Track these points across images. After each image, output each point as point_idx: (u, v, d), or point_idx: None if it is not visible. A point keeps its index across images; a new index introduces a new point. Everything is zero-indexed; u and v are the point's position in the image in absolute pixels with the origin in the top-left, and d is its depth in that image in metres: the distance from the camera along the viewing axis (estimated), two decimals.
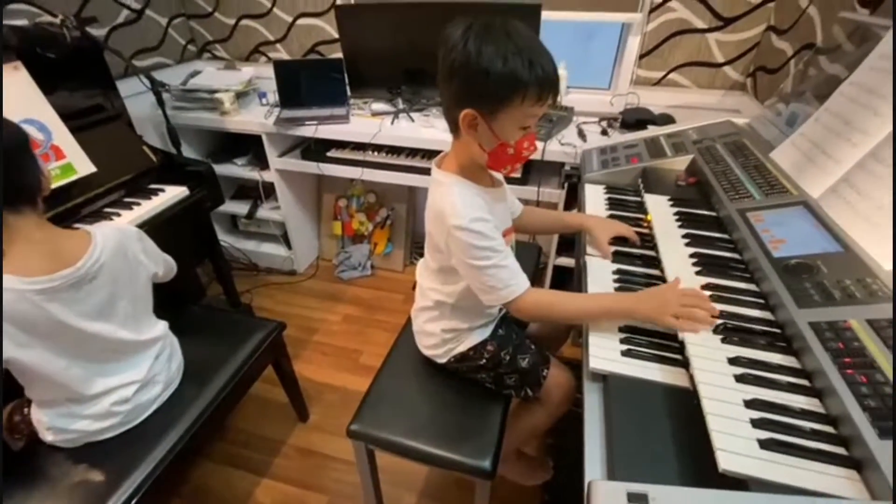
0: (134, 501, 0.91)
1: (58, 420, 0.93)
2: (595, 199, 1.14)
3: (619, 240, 0.98)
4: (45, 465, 0.96)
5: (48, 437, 0.94)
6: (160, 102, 1.70)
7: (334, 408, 1.64)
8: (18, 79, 1.14)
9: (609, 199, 1.14)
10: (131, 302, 0.97)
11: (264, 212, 2.15)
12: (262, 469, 1.45)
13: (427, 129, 1.75)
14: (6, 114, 0.82)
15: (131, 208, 1.36)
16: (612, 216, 1.06)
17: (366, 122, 1.82)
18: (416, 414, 0.94)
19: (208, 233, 1.70)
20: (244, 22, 2.07)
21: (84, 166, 1.26)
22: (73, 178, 1.23)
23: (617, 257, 0.93)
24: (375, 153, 1.84)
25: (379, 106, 1.91)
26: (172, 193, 1.46)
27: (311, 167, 1.89)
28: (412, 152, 1.83)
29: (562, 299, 0.80)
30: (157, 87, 1.69)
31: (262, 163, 2.00)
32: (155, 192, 1.45)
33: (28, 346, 0.81)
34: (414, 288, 2.20)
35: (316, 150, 1.92)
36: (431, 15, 1.68)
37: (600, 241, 0.96)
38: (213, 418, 1.10)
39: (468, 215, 0.75)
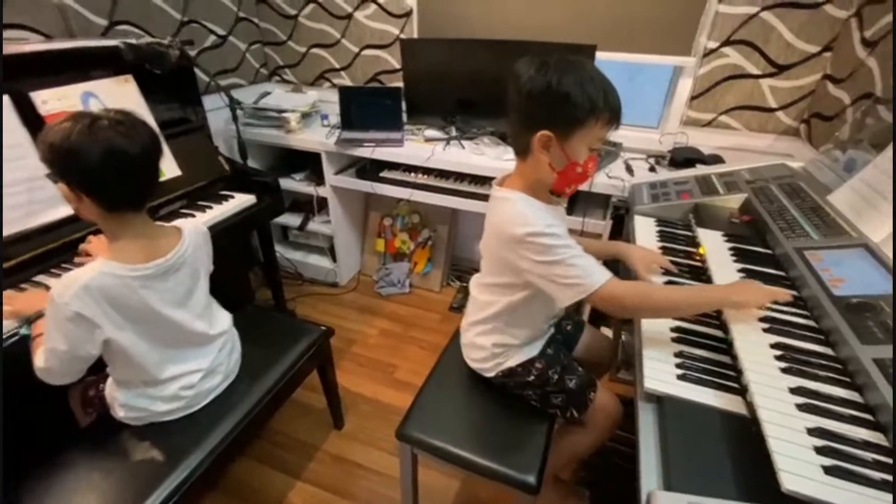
0: (189, 483, 0.97)
1: (131, 399, 1.00)
2: (645, 230, 1.17)
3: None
4: (112, 438, 1.03)
5: (120, 413, 1.02)
6: (235, 118, 1.85)
7: (369, 418, 1.67)
8: (129, 90, 1.29)
9: (660, 231, 1.17)
10: (204, 295, 1.06)
11: (315, 225, 2.27)
12: (296, 471, 1.48)
13: (477, 156, 1.83)
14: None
15: (204, 210, 1.48)
16: (663, 248, 1.08)
17: (419, 146, 1.92)
18: (463, 423, 0.97)
19: (267, 240, 1.81)
20: (314, 50, 2.25)
21: (171, 169, 1.39)
22: (161, 179, 1.36)
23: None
24: (425, 176, 1.93)
25: (432, 132, 2.02)
26: (241, 200, 1.58)
27: (365, 186, 2.00)
28: (460, 177, 1.91)
29: (656, 288, 0.82)
30: (234, 105, 1.85)
31: (318, 179, 2.13)
32: (225, 198, 1.57)
33: (123, 329, 0.89)
34: (451, 308, 2.25)
35: (370, 170, 2.03)
36: (488, 51, 1.80)
37: (638, 268, 0.99)
38: (262, 414, 1.16)
39: (541, 222, 0.80)
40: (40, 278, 1.13)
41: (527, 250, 0.82)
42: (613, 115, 0.78)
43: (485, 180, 1.86)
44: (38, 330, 0.94)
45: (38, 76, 1.19)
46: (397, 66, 2.13)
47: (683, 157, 1.61)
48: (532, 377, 0.96)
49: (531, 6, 1.82)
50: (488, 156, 1.82)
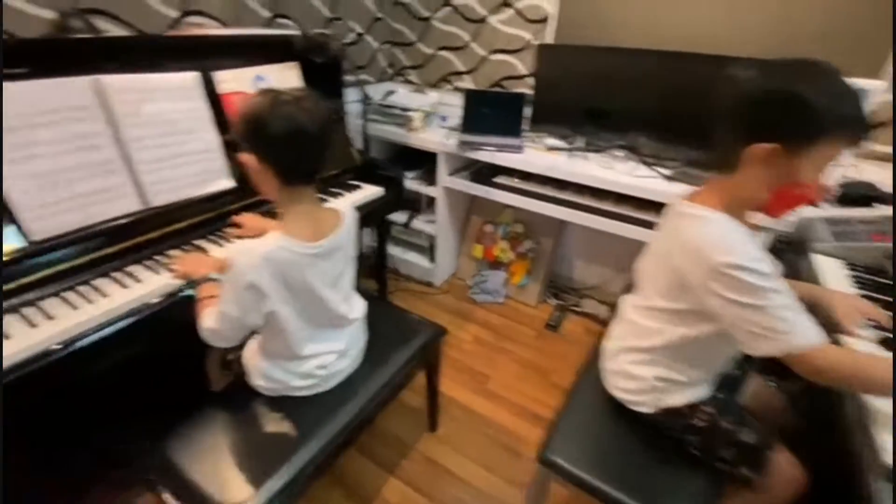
0: (315, 462, 0.98)
1: (272, 370, 1.04)
2: (835, 274, 1.01)
3: None
4: (246, 405, 1.07)
5: (258, 381, 1.06)
6: (364, 113, 1.92)
7: (461, 426, 1.63)
8: (293, 76, 1.37)
9: (854, 277, 1.00)
10: (350, 278, 1.08)
11: (419, 223, 2.29)
12: (390, 466, 1.47)
13: (604, 169, 1.73)
14: None
15: (336, 197, 1.53)
16: (867, 297, 0.92)
17: (538, 154, 1.87)
18: (612, 458, 0.89)
19: (385, 232, 1.84)
20: (441, 52, 2.29)
21: None
22: None
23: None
24: (541, 185, 1.87)
25: (553, 141, 1.96)
26: (370, 191, 1.61)
27: (479, 190, 1.98)
28: (580, 189, 1.83)
29: (880, 361, 0.67)
30: (366, 100, 1.92)
31: (429, 178, 2.15)
32: (354, 188, 1.62)
33: (285, 303, 0.92)
34: (547, 326, 2.14)
35: (485, 174, 2.01)
36: (635, 61, 1.70)
37: (840, 317, 0.85)
38: (378, 404, 1.15)
39: (747, 254, 0.70)
40: (200, 243, 1.21)
41: (719, 284, 0.71)
42: (859, 131, 0.66)
43: (606, 195, 1.77)
44: (204, 293, 1.00)
45: (219, 58, 1.28)
46: (524, 71, 2.10)
47: (858, 193, 1.41)
48: (699, 422, 0.85)
49: (687, 15, 1.70)
50: (617, 170, 1.72)
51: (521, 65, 2.11)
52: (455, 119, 2.07)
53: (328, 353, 1.07)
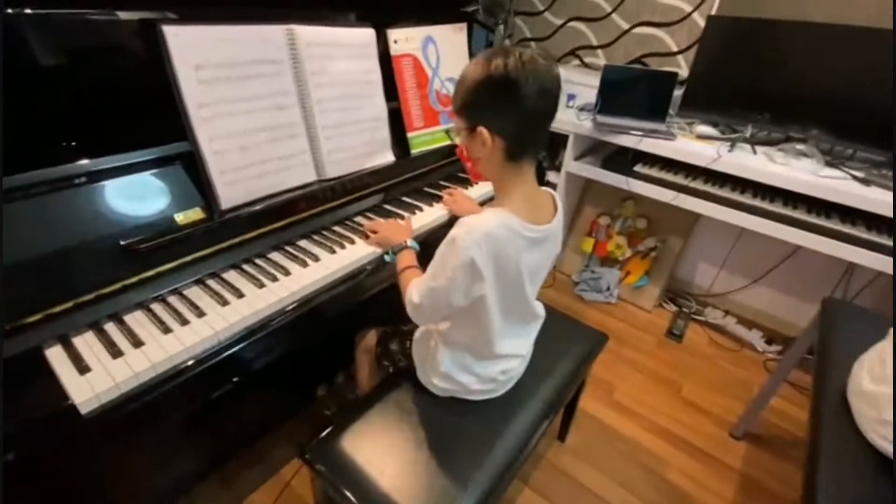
0: (505, 475, 0.87)
1: (455, 370, 0.93)
2: None
3: None
4: (419, 405, 0.97)
5: (434, 379, 0.95)
6: None
7: (593, 438, 1.49)
8: (460, 39, 1.23)
9: None
10: (545, 275, 0.94)
11: None
12: (525, 476, 1.36)
13: (779, 165, 1.51)
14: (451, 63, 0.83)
15: (475, 183, 1.39)
16: None
17: (692, 143, 1.65)
18: None
19: None
20: (572, 24, 2.08)
21: None
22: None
23: None
24: (689, 179, 1.66)
25: (704, 129, 1.73)
26: None
27: (616, 179, 1.78)
28: (735, 185, 1.60)
29: None
30: None
31: (550, 162, 1.98)
32: None
33: (494, 287, 0.80)
34: (668, 334, 1.94)
35: (616, 161, 1.81)
36: (815, 38, 1.44)
37: None
38: (544, 415, 1.02)
39: None
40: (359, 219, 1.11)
41: None
42: None
43: (772, 195, 1.54)
44: (404, 263, 0.93)
45: (391, 14, 1.15)
46: (673, 47, 1.87)
47: None
48: None
49: None
50: (793, 167, 1.49)
51: (670, 39, 1.87)
52: (584, 98, 1.88)
53: (515, 357, 0.95)
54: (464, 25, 1.22)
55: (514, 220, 0.76)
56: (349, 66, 0.99)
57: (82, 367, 0.65)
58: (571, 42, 2.12)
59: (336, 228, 1.05)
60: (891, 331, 0.92)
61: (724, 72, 1.64)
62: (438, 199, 1.22)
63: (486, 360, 0.92)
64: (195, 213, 0.82)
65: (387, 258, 1.00)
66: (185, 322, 0.75)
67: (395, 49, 1.12)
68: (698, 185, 1.65)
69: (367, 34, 1.03)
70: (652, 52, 1.93)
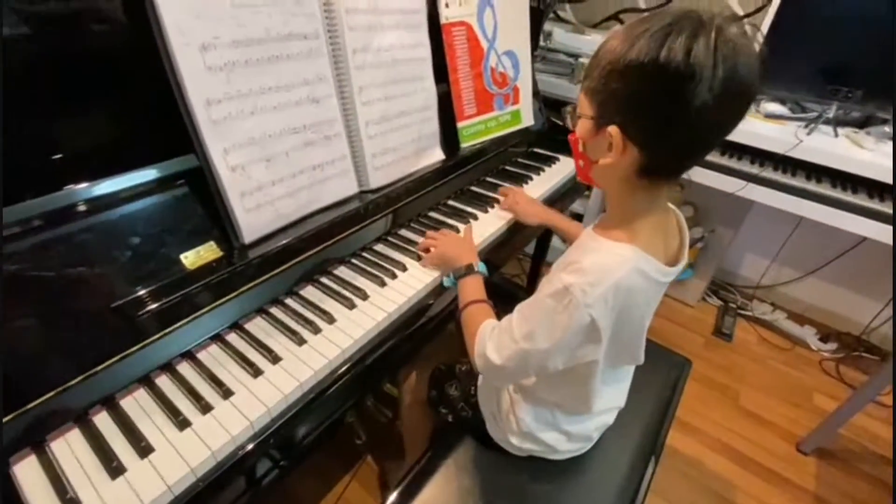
0: None
1: (535, 425, 0.74)
2: None
3: None
4: (482, 463, 0.80)
5: (511, 437, 0.77)
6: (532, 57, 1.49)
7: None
8: (522, 1, 0.97)
9: None
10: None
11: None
12: None
13: (867, 152, 1.31)
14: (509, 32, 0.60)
15: (538, 173, 1.17)
16: None
17: (762, 125, 1.45)
18: None
19: None
20: None
21: (527, 117, 1.08)
22: (516, 127, 1.06)
23: None
24: (754, 166, 1.46)
25: (774, 107, 1.52)
26: (569, 164, 1.24)
27: None
28: (820, 174, 1.41)
29: None
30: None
31: None
32: (547, 159, 1.25)
33: (608, 347, 0.60)
34: (716, 332, 1.78)
35: None
36: None
37: None
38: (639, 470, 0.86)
39: None
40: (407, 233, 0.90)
41: None
42: None
43: (860, 184, 1.35)
44: (470, 294, 0.73)
45: None
46: (739, 10, 1.61)
47: None
48: None
49: None
50: (883, 153, 1.30)
51: (735, 2, 1.62)
52: None
53: (612, 410, 0.77)
54: None
55: (648, 261, 0.56)
56: (395, 40, 0.75)
57: (66, 500, 0.45)
58: (614, 4, 1.85)
59: (379, 248, 0.84)
60: None
61: (811, 40, 1.41)
62: (491, 201, 1.00)
63: (579, 415, 0.74)
64: (208, 252, 0.60)
65: (446, 283, 0.79)
66: (206, 408, 0.54)
67: (445, 15, 0.87)
68: (769, 173, 1.45)
69: None
70: None
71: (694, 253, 1.93)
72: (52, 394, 0.49)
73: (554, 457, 0.79)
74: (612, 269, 0.54)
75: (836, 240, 1.69)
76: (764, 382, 1.64)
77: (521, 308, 0.61)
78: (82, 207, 0.53)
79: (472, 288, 0.75)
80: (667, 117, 0.48)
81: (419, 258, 0.82)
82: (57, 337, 0.51)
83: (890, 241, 1.29)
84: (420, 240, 0.85)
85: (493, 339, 0.63)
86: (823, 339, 1.81)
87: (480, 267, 0.78)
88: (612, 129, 0.50)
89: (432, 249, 0.82)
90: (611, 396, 0.75)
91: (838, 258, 1.75)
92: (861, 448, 1.44)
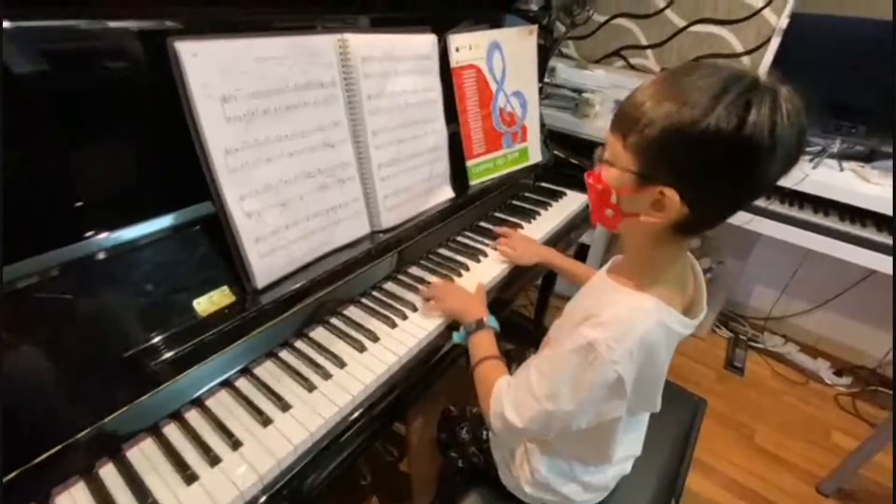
0: None
1: (551, 475, 0.72)
2: None
3: None
4: None
5: (526, 487, 0.74)
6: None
7: None
8: (529, 45, 1.00)
9: None
10: None
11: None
12: None
13: (873, 186, 1.32)
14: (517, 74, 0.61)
15: (546, 208, 1.18)
16: None
17: None
18: None
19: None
20: (617, 21, 1.86)
21: (535, 154, 1.09)
22: (524, 164, 1.08)
23: None
24: (769, 201, 1.46)
25: None
26: (577, 199, 1.25)
27: None
28: (827, 207, 1.41)
29: None
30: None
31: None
32: (555, 194, 1.26)
33: (631, 401, 0.59)
34: (728, 366, 1.76)
35: None
36: None
37: None
38: None
39: None
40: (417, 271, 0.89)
41: None
42: None
43: (866, 217, 1.34)
44: (482, 351, 0.70)
45: (453, 17, 0.92)
46: (739, 48, 1.66)
47: None
48: None
49: None
50: (886, 186, 1.30)
51: (734, 39, 1.66)
52: None
53: (631, 457, 0.75)
54: (534, 28, 1.00)
55: (670, 314, 0.54)
56: (408, 85, 0.77)
57: None
58: (616, 40, 1.90)
59: (389, 287, 0.83)
60: None
61: (812, 75, 1.42)
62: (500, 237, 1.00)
63: (597, 465, 0.72)
64: (221, 297, 0.60)
65: (456, 338, 0.77)
66: (215, 460, 0.53)
67: (456, 59, 0.89)
68: (776, 207, 1.45)
69: (429, 42, 0.81)
70: (714, 54, 1.71)
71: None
72: (59, 447, 0.48)
73: None
74: (635, 323, 0.53)
75: (845, 272, 1.68)
76: (779, 419, 1.60)
77: (538, 365, 0.59)
78: (98, 257, 0.53)
79: (485, 344, 0.72)
80: (736, 185, 0.47)
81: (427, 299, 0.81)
82: (65, 388, 0.51)
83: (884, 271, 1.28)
84: (430, 278, 0.85)
85: (509, 398, 0.61)
86: (838, 373, 1.77)
87: (491, 321, 0.76)
88: (669, 192, 0.48)
89: (436, 301, 0.79)
90: (628, 445, 0.73)
91: (848, 290, 1.74)
92: (883, 489, 1.38)
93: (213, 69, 0.52)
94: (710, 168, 0.46)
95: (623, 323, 0.53)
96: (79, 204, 0.53)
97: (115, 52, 0.54)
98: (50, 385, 0.50)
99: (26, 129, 0.49)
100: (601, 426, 0.62)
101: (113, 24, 0.52)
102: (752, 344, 1.90)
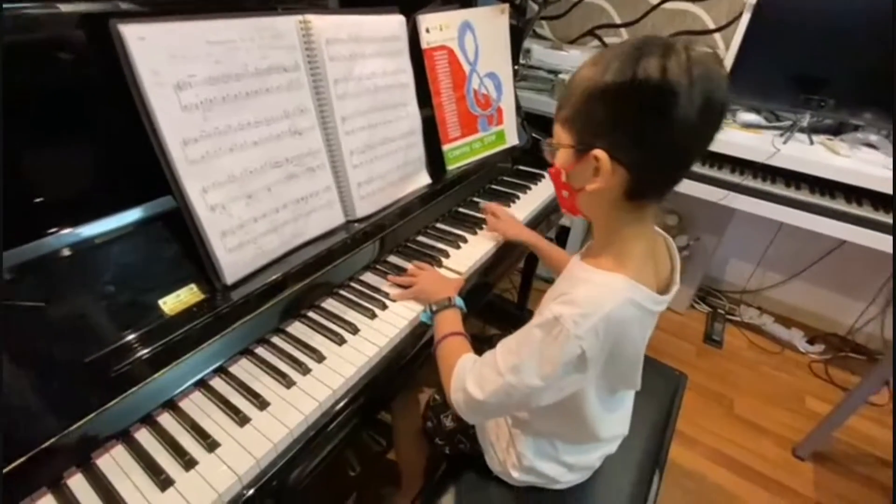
0: None
1: (536, 458, 0.72)
2: None
3: None
4: (481, 496, 0.77)
5: (512, 471, 0.75)
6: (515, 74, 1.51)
7: None
8: (501, 23, 0.98)
9: None
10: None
11: None
12: None
13: (843, 159, 1.34)
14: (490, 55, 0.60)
15: (525, 191, 1.17)
16: None
17: (740, 134, 1.48)
18: None
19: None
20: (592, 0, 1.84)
21: (511, 136, 1.08)
22: (501, 147, 1.06)
23: None
24: (734, 175, 1.48)
25: (749, 117, 1.55)
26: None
27: None
28: (798, 181, 1.43)
29: None
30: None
31: None
32: (534, 177, 1.25)
33: (599, 378, 0.60)
34: (707, 340, 1.80)
35: None
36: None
37: None
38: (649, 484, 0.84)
39: None
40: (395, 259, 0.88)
41: None
42: None
43: (838, 189, 1.38)
44: (446, 327, 0.70)
45: None
46: (710, 25, 1.66)
47: None
48: None
49: None
50: (859, 159, 1.34)
51: (706, 15, 1.66)
52: None
53: (616, 438, 0.75)
54: (506, 7, 0.97)
55: (639, 290, 0.54)
56: (377, 67, 0.74)
57: None
58: (590, 20, 1.88)
59: (367, 278, 0.82)
60: None
61: (782, 51, 1.45)
62: (480, 222, 0.99)
63: (582, 444, 0.73)
64: (189, 295, 0.57)
65: (423, 318, 0.76)
66: (190, 463, 0.51)
67: (427, 40, 0.86)
68: (749, 182, 1.47)
69: (396, 22, 0.78)
70: (685, 31, 1.72)
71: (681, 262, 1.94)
72: (23, 459, 0.46)
73: (556, 487, 0.77)
74: (604, 301, 0.53)
75: (816, 243, 1.73)
76: (757, 388, 1.65)
77: (505, 342, 0.59)
78: (58, 255, 0.50)
79: (449, 321, 0.72)
80: (651, 133, 0.48)
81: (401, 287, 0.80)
82: (26, 397, 0.48)
83: (869, 244, 1.32)
84: (408, 266, 0.84)
85: (473, 373, 0.61)
86: (811, 342, 1.84)
87: (458, 301, 0.76)
88: (599, 153, 0.49)
89: (414, 285, 0.78)
90: (614, 424, 0.73)
91: (820, 261, 1.79)
92: (856, 450, 1.44)
93: (163, 54, 0.49)
94: (621, 119, 0.48)
95: (592, 300, 0.52)
96: (37, 201, 0.50)
97: (58, 39, 0.50)
98: (10, 394, 0.47)
99: None
100: (569, 402, 0.61)
101: (54, 8, 0.49)
102: (730, 317, 1.95)
